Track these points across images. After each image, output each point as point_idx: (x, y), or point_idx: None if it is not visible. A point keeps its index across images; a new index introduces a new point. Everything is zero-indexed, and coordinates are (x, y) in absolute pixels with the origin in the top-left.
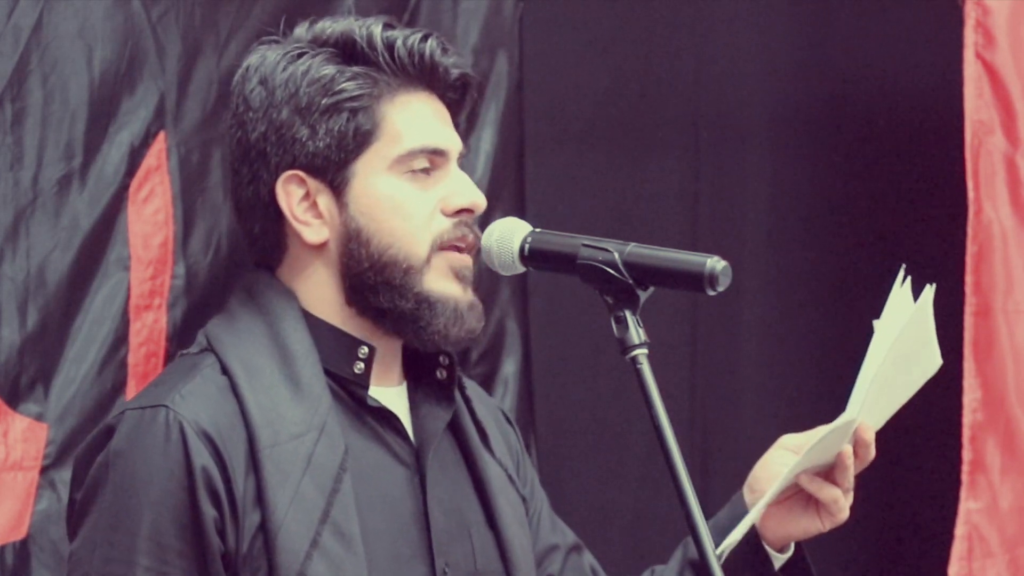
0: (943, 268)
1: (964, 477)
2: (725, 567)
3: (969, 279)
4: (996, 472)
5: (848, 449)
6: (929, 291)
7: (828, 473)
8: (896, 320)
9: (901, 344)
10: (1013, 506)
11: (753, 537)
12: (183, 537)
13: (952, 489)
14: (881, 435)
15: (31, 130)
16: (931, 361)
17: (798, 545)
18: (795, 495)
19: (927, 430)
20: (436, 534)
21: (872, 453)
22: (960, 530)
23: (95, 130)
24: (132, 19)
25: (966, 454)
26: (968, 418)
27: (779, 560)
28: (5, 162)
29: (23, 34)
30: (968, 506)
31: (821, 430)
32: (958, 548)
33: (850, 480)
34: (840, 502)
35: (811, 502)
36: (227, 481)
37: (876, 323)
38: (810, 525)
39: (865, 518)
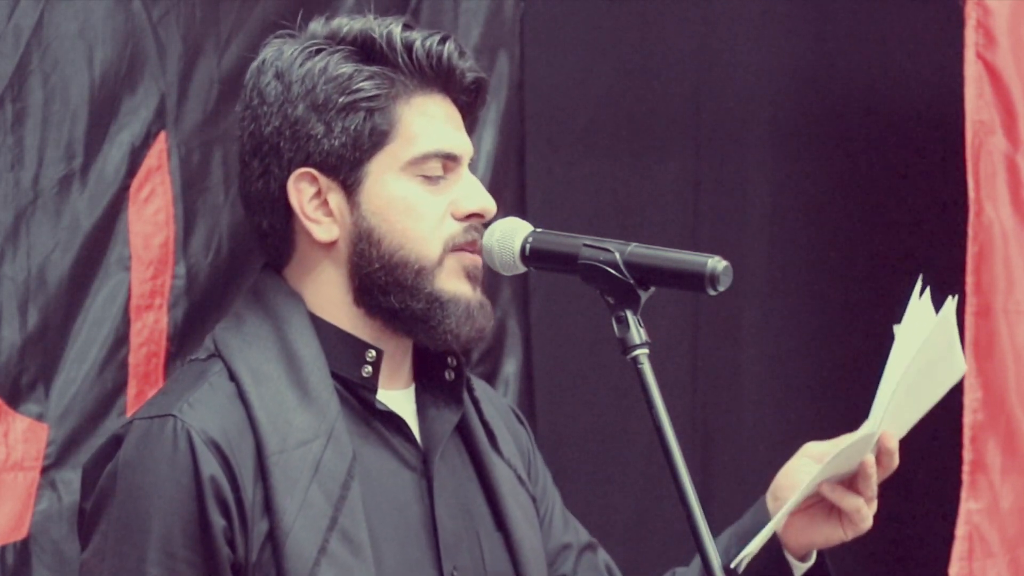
0: (943, 268)
1: (965, 477)
2: (747, 575)
3: (970, 279)
4: (997, 472)
5: (871, 458)
6: (951, 303)
7: (850, 482)
8: (917, 330)
9: (924, 355)
10: (1014, 506)
11: (775, 545)
12: (192, 547)
13: (952, 489)
14: None
15: (32, 130)
16: (955, 368)
17: (820, 554)
18: (817, 503)
19: (927, 430)
20: (444, 538)
21: (896, 462)
22: (961, 530)
23: (96, 130)
24: (133, 19)
25: (967, 454)
26: (969, 418)
27: (800, 569)
28: (5, 162)
29: (24, 34)
30: (969, 506)
31: (844, 440)
32: (959, 548)
33: (873, 489)
34: (863, 511)
35: (833, 510)
36: (236, 490)
37: (896, 329)
38: (832, 534)
39: None
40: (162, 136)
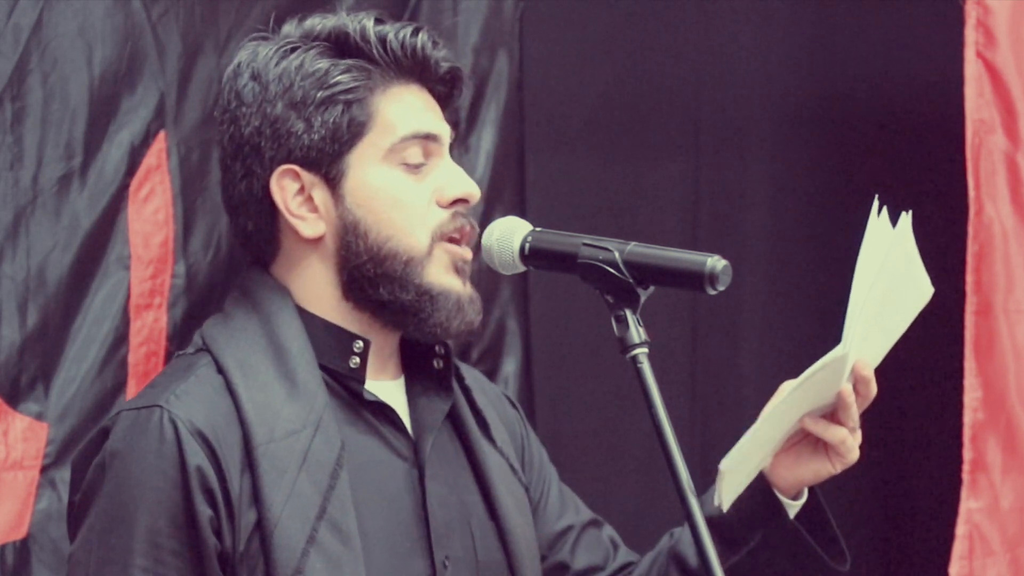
0: (943, 268)
1: (965, 476)
2: (739, 518)
3: (970, 278)
4: (997, 471)
5: (848, 387)
6: (906, 218)
7: (832, 414)
8: (877, 251)
9: (886, 275)
10: (1014, 505)
11: (764, 486)
12: (179, 537)
13: (952, 489)
14: (882, 434)
15: (31, 129)
16: (922, 290)
17: (812, 491)
18: (803, 440)
19: (927, 430)
20: (435, 527)
21: (873, 389)
22: (961, 529)
23: (95, 129)
24: (132, 18)
25: (967, 453)
26: (969, 417)
27: (793, 507)
28: (5, 161)
29: (23, 33)
30: (969, 505)
31: (816, 364)
32: (959, 547)
33: (854, 418)
34: (848, 442)
35: (819, 445)
36: (222, 480)
37: (859, 257)
38: (821, 468)
39: (866, 517)
40: (162, 135)
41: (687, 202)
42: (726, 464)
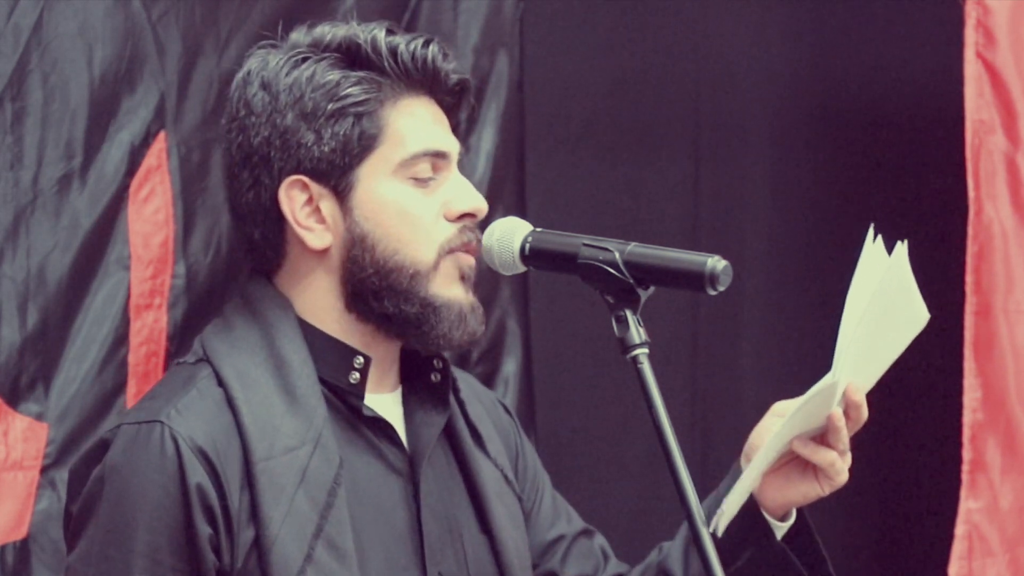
0: (943, 268)
1: (964, 477)
2: (726, 539)
3: (969, 279)
4: (996, 471)
5: (838, 411)
6: (902, 247)
7: (822, 437)
8: (870, 277)
9: (879, 302)
10: (1013, 505)
11: (753, 507)
12: (178, 554)
13: (952, 489)
14: (882, 434)
15: (31, 130)
16: (917, 317)
17: (800, 512)
18: (792, 461)
19: (927, 430)
20: (429, 543)
21: (864, 414)
22: (960, 529)
23: (95, 130)
24: (132, 19)
25: (966, 453)
26: (968, 417)
27: (781, 528)
28: (5, 162)
29: (23, 34)
30: (968, 505)
31: (806, 394)
32: (958, 547)
33: (844, 442)
34: (837, 465)
35: (808, 467)
36: (222, 498)
37: (852, 283)
38: (809, 490)
39: (865, 517)
40: (162, 135)
41: (687, 202)
42: (730, 503)
